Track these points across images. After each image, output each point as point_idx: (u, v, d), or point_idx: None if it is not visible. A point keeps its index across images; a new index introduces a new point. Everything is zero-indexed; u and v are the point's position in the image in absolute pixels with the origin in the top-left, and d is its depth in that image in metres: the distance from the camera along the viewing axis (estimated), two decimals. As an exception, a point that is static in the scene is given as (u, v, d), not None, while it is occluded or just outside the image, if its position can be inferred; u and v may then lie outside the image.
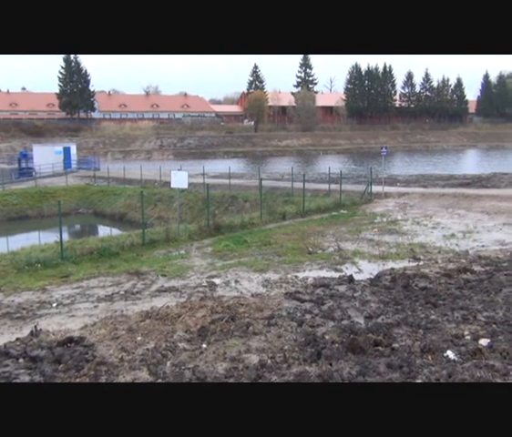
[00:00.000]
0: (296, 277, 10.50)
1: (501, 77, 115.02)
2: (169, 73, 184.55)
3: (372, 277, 9.79)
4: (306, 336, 5.94)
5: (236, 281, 10.31)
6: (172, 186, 18.14)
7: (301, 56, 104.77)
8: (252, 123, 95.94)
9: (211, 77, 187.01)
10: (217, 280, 10.41)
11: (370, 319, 6.70)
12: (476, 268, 9.92)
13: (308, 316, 6.94)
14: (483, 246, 13.23)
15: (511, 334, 5.89)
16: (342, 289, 8.63)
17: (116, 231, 25.39)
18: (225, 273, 11.12)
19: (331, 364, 5.09)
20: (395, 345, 5.58)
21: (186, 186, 18.58)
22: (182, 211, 23.57)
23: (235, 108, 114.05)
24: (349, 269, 11.12)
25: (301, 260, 12.17)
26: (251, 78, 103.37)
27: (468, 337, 5.81)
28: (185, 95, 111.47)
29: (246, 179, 34.71)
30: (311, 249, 13.42)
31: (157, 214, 27.44)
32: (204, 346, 5.91)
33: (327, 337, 5.92)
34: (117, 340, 6.18)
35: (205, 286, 9.96)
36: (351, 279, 9.26)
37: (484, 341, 5.65)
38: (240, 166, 60.93)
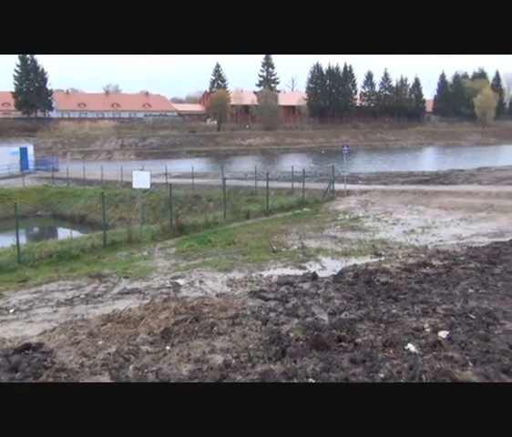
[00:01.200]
0: (261, 275, 10.51)
1: (456, 77, 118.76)
2: (130, 71, 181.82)
3: (335, 273, 9.90)
4: (271, 334, 5.94)
5: (200, 281, 10.23)
6: (134, 186, 17.85)
7: (263, 56, 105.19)
8: (215, 122, 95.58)
9: (173, 76, 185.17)
10: (181, 281, 10.30)
11: (333, 315, 6.77)
12: (435, 262, 10.19)
13: (272, 314, 6.95)
14: (441, 241, 13.61)
15: (468, 326, 6.07)
16: (306, 286, 8.69)
17: (76, 233, 24.81)
18: (189, 273, 11.02)
19: (295, 362, 5.11)
20: (358, 340, 5.65)
21: (148, 186, 18.33)
22: (145, 212, 23.22)
23: (198, 107, 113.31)
24: (313, 267, 11.23)
25: (265, 259, 12.20)
26: (214, 77, 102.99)
27: (428, 330, 5.95)
28: (146, 94, 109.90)
29: (210, 179, 34.54)
30: (275, 248, 13.47)
31: (118, 215, 26.96)
32: (168, 348, 5.82)
33: (291, 334, 5.94)
34: (77, 346, 6.01)
35: (169, 287, 9.84)
36: (314, 277, 9.34)
37: (443, 333, 5.79)
38: (204, 165, 60.59)
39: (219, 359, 5.37)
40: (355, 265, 10.65)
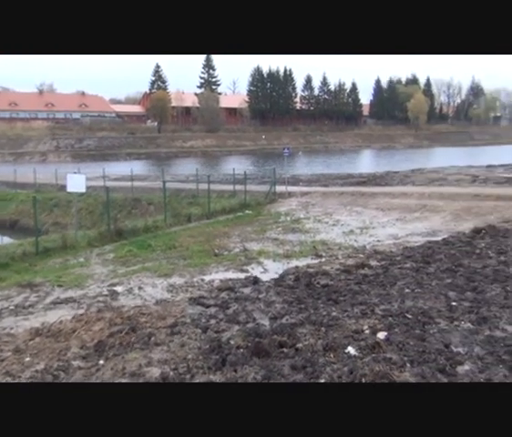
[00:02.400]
0: (202, 280, 10.31)
1: (391, 83, 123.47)
2: (65, 70, 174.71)
3: (276, 276, 9.89)
4: (211, 343, 5.78)
5: (139, 288, 9.88)
6: (68, 190, 17.05)
7: (204, 57, 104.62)
8: (156, 124, 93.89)
9: (111, 76, 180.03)
10: (119, 288, 9.90)
11: (275, 320, 6.71)
12: (373, 262, 10.41)
13: (213, 321, 6.79)
14: (378, 241, 13.98)
15: (405, 326, 6.20)
16: (247, 291, 8.59)
17: (7, 240, 23.40)
18: (128, 280, 10.63)
19: (235, 371, 4.98)
20: (299, 345, 5.61)
21: (83, 189, 17.56)
22: (82, 216, 22.30)
23: (137, 109, 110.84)
24: (255, 270, 11.17)
25: (207, 263, 12.01)
26: (154, 78, 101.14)
27: (367, 331, 6.01)
28: (83, 93, 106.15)
29: (150, 181, 33.77)
30: (217, 251, 13.31)
31: (53, 220, 25.68)
32: (101, 362, 5.50)
33: (232, 342, 5.81)
34: (1, 364, 5.57)
35: (106, 295, 9.41)
36: (256, 281, 9.26)
37: (381, 335, 5.87)
38: (144, 167, 59.23)
39: (156, 371, 5.13)
40: (297, 267, 10.69)
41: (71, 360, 5.57)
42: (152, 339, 6.09)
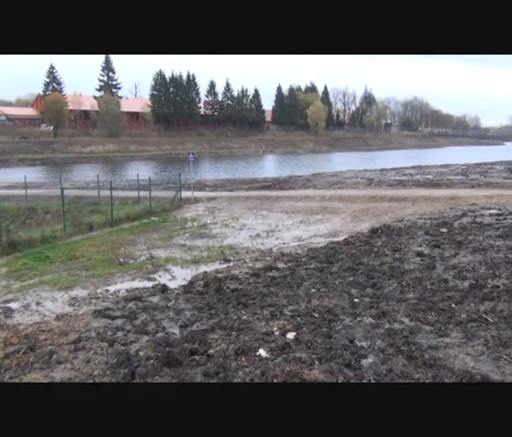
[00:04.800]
0: (107, 291, 9.89)
1: (292, 90, 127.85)
2: None
3: (185, 283, 9.76)
4: (118, 356, 5.52)
5: (37, 303, 9.22)
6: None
7: (102, 59, 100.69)
8: (51, 128, 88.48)
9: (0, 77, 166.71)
10: (14, 305, 9.17)
11: (185, 327, 6.59)
12: (280, 265, 10.66)
13: (120, 333, 6.51)
14: (284, 243, 14.37)
15: (313, 325, 6.40)
16: (155, 299, 8.36)
17: None
18: (24, 295, 9.87)
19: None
20: (211, 351, 5.57)
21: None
22: (-33, 228, 20.28)
23: (30, 111, 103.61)
24: (162, 277, 10.95)
25: (111, 273, 11.54)
26: (48, 80, 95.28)
27: (277, 333, 6.12)
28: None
29: (46, 189, 31.71)
30: (122, 260, 12.84)
31: None
32: (-4, 387, 5.04)
33: (141, 353, 5.61)
34: None
35: (-2, 313, 8.66)
36: (164, 289, 9.06)
37: (291, 335, 6.01)
38: (39, 174, 55.52)
39: (59, 392, 4.79)
40: (206, 272, 10.64)
41: (-41, 387, 5.03)
42: (54, 357, 5.69)
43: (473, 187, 23.39)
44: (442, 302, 7.11)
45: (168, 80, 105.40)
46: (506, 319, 6.31)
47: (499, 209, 15.69)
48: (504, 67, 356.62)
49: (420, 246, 11.10)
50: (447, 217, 15.03)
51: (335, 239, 13.90)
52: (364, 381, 4.69)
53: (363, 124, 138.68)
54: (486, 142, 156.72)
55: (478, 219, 14.08)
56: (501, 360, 5.13)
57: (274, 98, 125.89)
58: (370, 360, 5.21)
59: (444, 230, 12.81)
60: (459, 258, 9.75)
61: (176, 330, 6.51)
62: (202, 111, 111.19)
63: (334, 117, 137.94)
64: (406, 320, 6.47)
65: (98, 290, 9.95)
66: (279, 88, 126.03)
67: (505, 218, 14.01)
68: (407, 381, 4.66)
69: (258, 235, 15.96)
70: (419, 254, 10.27)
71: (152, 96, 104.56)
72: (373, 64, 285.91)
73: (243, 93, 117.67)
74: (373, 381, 4.68)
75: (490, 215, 14.83)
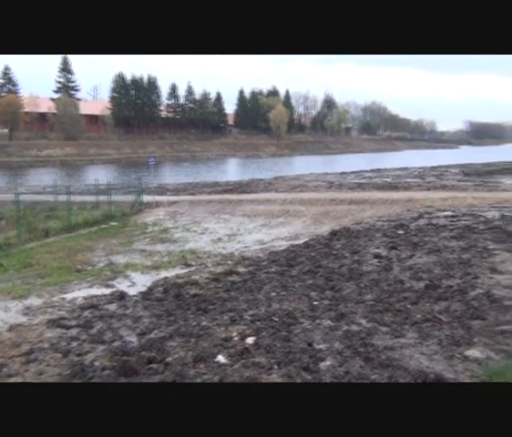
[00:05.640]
0: (63, 299, 9.59)
1: (253, 94, 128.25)
2: None
3: (145, 289, 9.60)
4: (72, 367, 5.37)
5: (-12, 314, 8.85)
6: None
7: (60, 60, 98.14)
8: (6, 130, 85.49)
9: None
10: (-38, 316, 8.76)
11: (143, 335, 6.48)
12: (241, 269, 10.64)
13: (75, 343, 6.33)
14: (246, 247, 14.36)
15: (272, 329, 6.41)
16: (112, 307, 8.18)
17: None
18: (-27, 306, 9.46)
19: (101, 394, 4.68)
20: (169, 359, 5.49)
21: None
22: None
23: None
24: (121, 284, 10.72)
25: (68, 280, 11.22)
26: (3, 81, 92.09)
27: (236, 338, 6.10)
28: None
29: (0, 194, 30.62)
30: (79, 267, 12.51)
31: None
32: None
33: (97, 363, 5.47)
34: None
35: None
36: (122, 296, 8.88)
37: (250, 340, 6.00)
38: (-8, 179, 53.56)
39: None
40: (166, 278, 10.51)
41: None
42: (4, 370, 5.46)
43: (429, 189, 24.07)
44: (398, 303, 7.26)
45: (128, 82, 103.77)
46: (459, 318, 6.51)
47: (453, 211, 16.21)
48: (457, 73, 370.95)
49: (378, 248, 11.32)
50: (404, 219, 15.40)
51: (296, 242, 14.00)
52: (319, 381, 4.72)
53: (325, 128, 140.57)
54: (441, 145, 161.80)
55: (434, 221, 14.50)
56: (454, 358, 5.28)
57: (237, 102, 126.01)
58: (328, 362, 5.26)
59: (401, 232, 13.12)
60: (415, 259, 10.00)
61: (133, 339, 6.38)
62: (164, 114, 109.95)
63: (296, 121, 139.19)
64: (364, 322, 6.57)
65: (54, 299, 9.65)
66: (241, 92, 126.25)
67: (458, 220, 14.48)
68: (364, 382, 4.72)
69: (220, 239, 15.89)
70: (377, 256, 10.48)
71: (112, 98, 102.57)
72: (334, 69, 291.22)
73: (205, 96, 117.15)
74: (329, 381, 4.72)
75: (445, 217, 15.29)
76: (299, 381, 4.74)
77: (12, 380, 5.27)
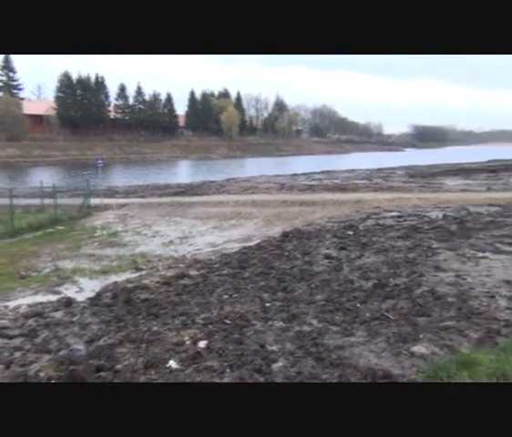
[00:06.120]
0: (6, 307, 9.16)
1: (205, 95, 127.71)
2: None
3: (93, 295, 9.33)
4: (15, 379, 5.12)
5: None
6: None
7: (1, 58, 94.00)
8: None
9: None
10: None
11: (91, 343, 6.28)
12: (193, 272, 10.55)
13: (18, 354, 6.05)
14: (198, 249, 14.25)
15: (225, 331, 6.39)
16: (58, 315, 7.89)
17: None
18: None
19: (46, 406, 4.49)
20: (119, 366, 5.35)
21: None
22: None
23: None
24: (69, 290, 10.39)
25: (11, 287, 10.73)
26: None
27: (188, 342, 6.02)
28: None
29: None
30: (24, 273, 12.01)
31: None
32: None
33: (42, 374, 5.25)
34: None
35: None
36: (69, 303, 8.59)
37: (202, 344, 5.95)
38: None
39: None
40: (116, 283, 10.28)
41: None
42: None
43: (376, 190, 24.79)
44: (348, 302, 7.42)
45: (74, 82, 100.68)
46: (406, 315, 6.72)
47: (399, 212, 16.77)
48: (404, 79, 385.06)
49: (328, 248, 11.53)
50: (353, 220, 15.78)
51: (248, 244, 14.04)
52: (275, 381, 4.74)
53: (276, 130, 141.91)
54: (388, 148, 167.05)
55: (381, 222, 14.94)
56: (401, 355, 5.44)
57: (188, 103, 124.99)
58: (280, 363, 5.29)
59: (350, 233, 13.43)
60: (364, 259, 10.26)
61: (81, 347, 6.17)
62: (113, 115, 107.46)
63: (248, 123, 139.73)
64: (315, 322, 6.66)
65: (-4, 307, 9.21)
66: (192, 93, 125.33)
67: (404, 220, 14.99)
68: (315, 381, 4.78)
69: (171, 242, 15.69)
70: (327, 256, 10.67)
71: (57, 98, 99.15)
72: (282, 72, 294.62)
73: (155, 97, 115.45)
74: (282, 381, 4.75)
75: (392, 217, 15.79)
76: (250, 381, 4.74)
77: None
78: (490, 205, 17.31)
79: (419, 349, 5.54)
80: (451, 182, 28.73)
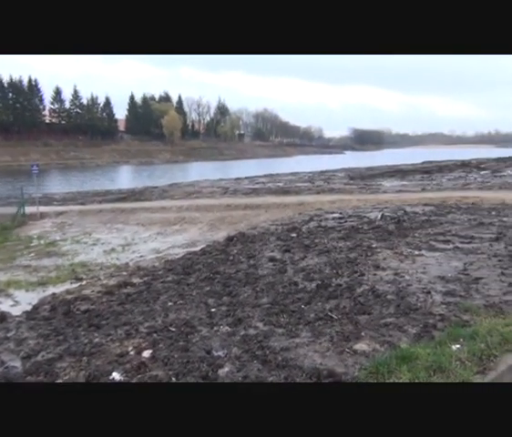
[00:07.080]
0: None
1: (145, 99, 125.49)
2: None
3: (30, 308, 8.92)
4: None
5: None
6: None
7: None
8: None
9: None
10: None
11: (28, 359, 5.98)
12: (136, 280, 10.33)
13: None
14: (141, 256, 13.97)
15: (170, 339, 6.28)
16: (-9, 331, 7.46)
17: None
18: None
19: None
20: (58, 382, 5.13)
21: None
22: None
23: None
24: (3, 304, 9.90)
25: None
26: None
27: (132, 352, 5.88)
28: None
29: None
30: (-49, 288, 11.28)
31: None
32: None
33: (-26, 395, 4.93)
34: None
35: None
36: (3, 317, 8.14)
37: (147, 353, 5.82)
38: None
39: None
40: (54, 294, 9.89)
41: None
42: None
43: (318, 193, 25.33)
44: (293, 304, 7.51)
45: (5, 85, 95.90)
46: (348, 314, 6.90)
47: (341, 213, 17.21)
48: (337, 84, 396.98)
49: (272, 251, 11.63)
50: (296, 222, 16.02)
51: (193, 250, 13.92)
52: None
53: (218, 134, 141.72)
54: (328, 151, 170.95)
55: (323, 223, 15.26)
56: (344, 353, 5.58)
57: (127, 107, 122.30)
58: (226, 368, 5.28)
59: (293, 235, 13.62)
60: (307, 260, 10.43)
61: (17, 363, 5.87)
62: (48, 120, 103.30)
63: (190, 127, 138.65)
64: (261, 325, 6.69)
65: None
66: (131, 97, 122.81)
67: (345, 221, 15.40)
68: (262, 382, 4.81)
69: (113, 249, 15.29)
70: (272, 259, 10.76)
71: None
72: (225, 76, 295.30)
73: (93, 101, 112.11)
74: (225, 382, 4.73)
75: (333, 218, 16.17)
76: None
77: None
78: (425, 205, 18.12)
79: (361, 346, 5.70)
80: (388, 183, 29.83)
